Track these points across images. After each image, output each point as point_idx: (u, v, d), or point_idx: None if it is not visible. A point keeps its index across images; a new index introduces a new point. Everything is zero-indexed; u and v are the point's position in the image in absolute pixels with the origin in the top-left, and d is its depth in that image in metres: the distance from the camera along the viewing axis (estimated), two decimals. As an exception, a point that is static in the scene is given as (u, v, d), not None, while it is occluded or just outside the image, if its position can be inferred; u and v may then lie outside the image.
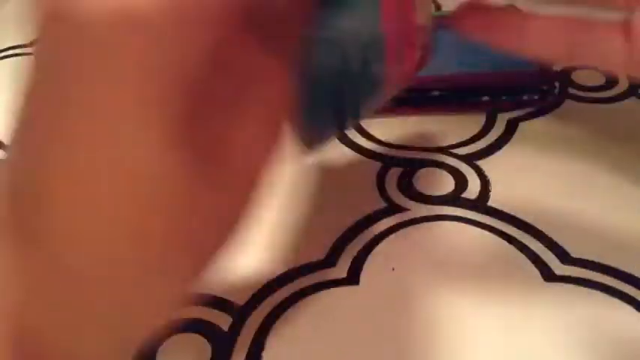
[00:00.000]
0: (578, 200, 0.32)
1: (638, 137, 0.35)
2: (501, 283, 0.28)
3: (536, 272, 0.29)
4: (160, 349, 0.26)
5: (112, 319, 0.17)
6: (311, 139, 0.24)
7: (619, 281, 0.28)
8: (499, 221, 0.31)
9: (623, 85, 0.40)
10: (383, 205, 0.32)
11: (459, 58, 0.35)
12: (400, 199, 0.33)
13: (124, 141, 0.15)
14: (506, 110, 0.38)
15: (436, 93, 0.38)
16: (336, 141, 0.37)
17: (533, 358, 0.25)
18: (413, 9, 0.21)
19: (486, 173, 0.34)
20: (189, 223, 0.17)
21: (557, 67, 0.40)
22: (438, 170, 0.35)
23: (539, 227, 0.31)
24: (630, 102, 0.39)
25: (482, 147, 0.36)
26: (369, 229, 0.31)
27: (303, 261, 0.30)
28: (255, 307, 0.28)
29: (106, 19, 0.14)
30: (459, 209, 0.32)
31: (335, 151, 0.36)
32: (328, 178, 0.34)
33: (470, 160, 0.35)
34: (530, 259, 0.29)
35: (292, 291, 0.28)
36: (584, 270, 0.29)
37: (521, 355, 0.25)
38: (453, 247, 0.30)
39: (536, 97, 0.38)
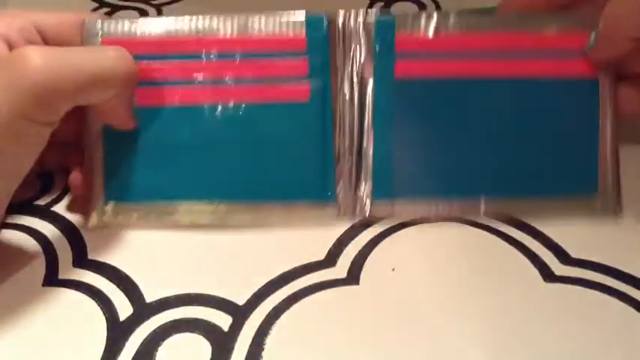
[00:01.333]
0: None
1: (637, 137, 0.35)
2: (501, 283, 0.28)
3: (536, 272, 0.29)
4: (160, 347, 0.26)
5: None
6: None
7: (619, 281, 0.28)
8: (499, 221, 0.31)
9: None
10: (383, 205, 0.32)
11: None
12: (400, 199, 0.33)
13: None
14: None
15: None
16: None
17: (533, 358, 0.25)
18: None
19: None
20: None
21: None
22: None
23: (539, 227, 0.31)
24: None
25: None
26: (369, 229, 0.31)
27: (303, 261, 0.30)
28: (255, 307, 0.28)
29: None
30: (459, 209, 0.32)
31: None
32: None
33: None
34: (530, 259, 0.29)
35: (292, 291, 0.28)
36: (584, 270, 0.29)
37: (521, 355, 0.25)
38: (453, 247, 0.30)
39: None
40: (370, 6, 0.50)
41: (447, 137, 0.31)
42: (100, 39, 0.30)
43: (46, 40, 0.31)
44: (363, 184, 0.31)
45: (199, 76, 0.31)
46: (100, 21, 0.31)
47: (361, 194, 0.31)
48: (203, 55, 0.30)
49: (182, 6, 0.51)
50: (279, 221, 0.31)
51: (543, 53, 0.30)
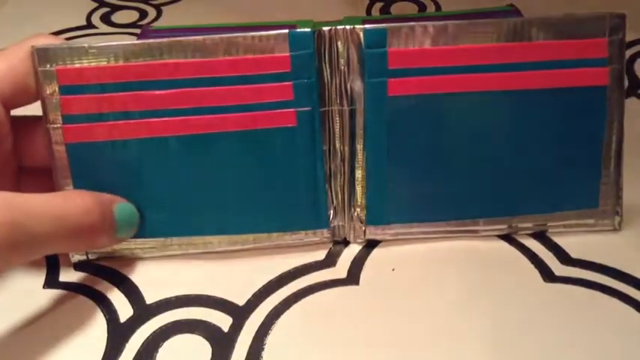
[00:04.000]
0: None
1: (638, 137, 0.35)
2: (501, 282, 0.28)
3: (536, 273, 0.29)
4: (160, 349, 0.26)
5: None
6: None
7: (619, 281, 0.28)
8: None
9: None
10: (383, 205, 0.32)
11: None
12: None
13: None
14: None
15: None
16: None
17: (533, 358, 0.25)
18: None
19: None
20: None
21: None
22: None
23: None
24: (630, 102, 0.39)
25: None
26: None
27: (303, 261, 0.30)
28: (255, 307, 0.28)
29: None
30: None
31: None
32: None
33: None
34: (530, 259, 0.29)
35: (292, 291, 0.28)
36: (584, 270, 0.29)
37: (521, 355, 0.25)
38: (453, 247, 0.30)
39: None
40: (370, 6, 0.50)
41: (444, 157, 0.29)
42: (54, 68, 0.27)
43: (2, 94, 0.28)
44: (357, 208, 0.30)
45: (170, 106, 0.28)
46: (51, 48, 0.27)
47: (355, 218, 0.30)
48: (175, 82, 0.28)
49: (182, 6, 0.52)
50: (270, 248, 0.30)
51: (547, 63, 0.28)
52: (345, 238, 0.31)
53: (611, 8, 0.29)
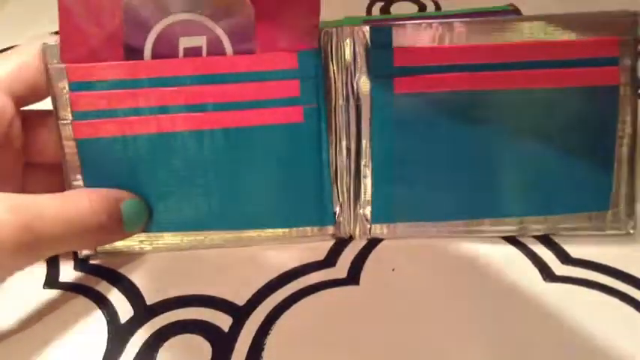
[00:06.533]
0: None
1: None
2: (501, 282, 0.28)
3: (536, 272, 0.29)
4: (160, 349, 0.26)
5: None
6: None
7: (619, 281, 0.28)
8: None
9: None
10: (383, 205, 0.32)
11: None
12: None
13: None
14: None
15: None
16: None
17: (533, 358, 0.25)
18: None
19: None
20: None
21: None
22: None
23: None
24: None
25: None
26: (369, 229, 0.31)
27: (303, 261, 0.30)
28: (255, 307, 0.28)
29: None
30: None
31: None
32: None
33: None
34: (530, 259, 0.29)
35: (292, 291, 0.28)
36: (584, 270, 0.29)
37: (521, 355, 0.25)
38: (453, 247, 0.30)
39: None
40: (370, 6, 0.50)
41: (451, 156, 0.29)
42: (64, 65, 0.28)
43: (14, 93, 0.28)
44: (363, 205, 0.30)
45: (179, 102, 0.28)
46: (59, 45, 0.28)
47: (361, 216, 0.30)
48: (183, 79, 0.28)
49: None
50: (274, 244, 0.30)
51: (557, 62, 0.28)
52: (351, 236, 0.31)
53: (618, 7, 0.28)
